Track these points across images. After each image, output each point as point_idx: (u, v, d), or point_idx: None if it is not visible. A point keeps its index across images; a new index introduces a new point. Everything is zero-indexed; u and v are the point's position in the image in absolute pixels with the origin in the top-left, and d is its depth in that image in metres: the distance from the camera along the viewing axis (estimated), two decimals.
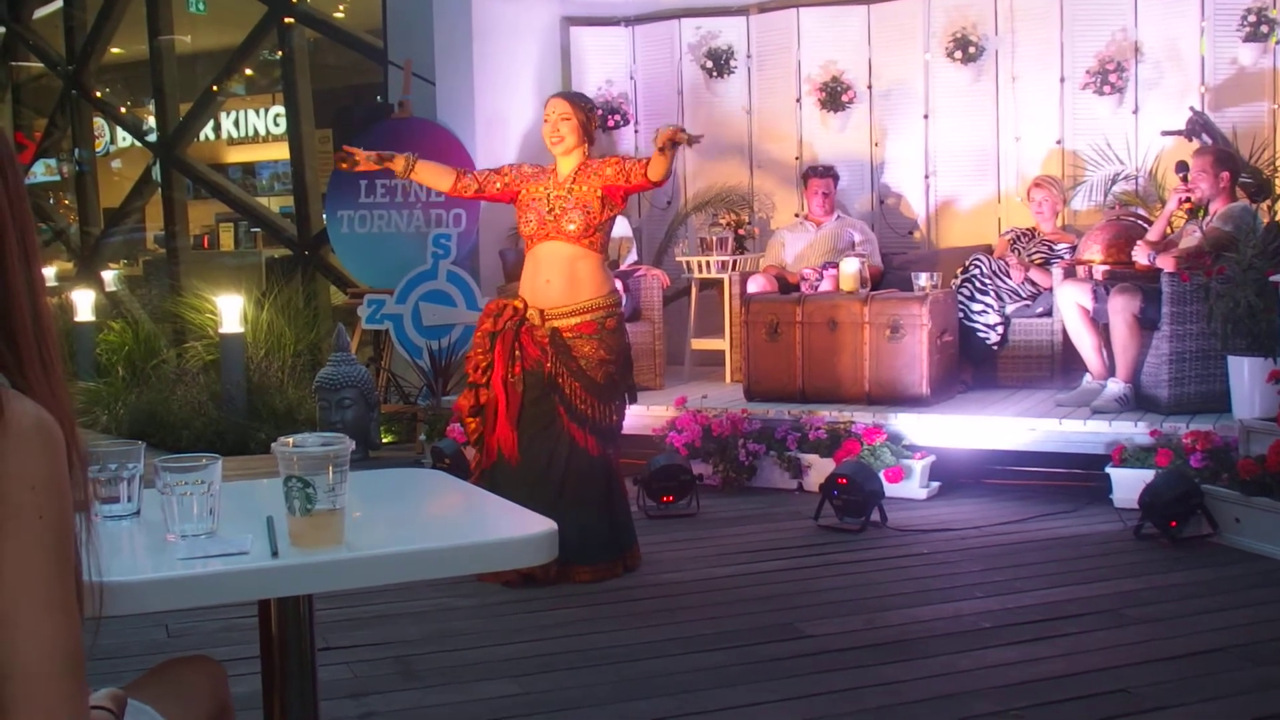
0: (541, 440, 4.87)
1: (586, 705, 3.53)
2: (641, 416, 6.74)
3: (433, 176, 5.13)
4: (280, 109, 13.48)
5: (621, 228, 7.72)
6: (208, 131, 14.53)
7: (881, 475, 5.81)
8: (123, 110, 14.82)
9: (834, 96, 8.16)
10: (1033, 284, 6.97)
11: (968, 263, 7.02)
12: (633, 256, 7.81)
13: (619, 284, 7.03)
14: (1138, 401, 6.16)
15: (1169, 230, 6.44)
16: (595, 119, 5.06)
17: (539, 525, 2.07)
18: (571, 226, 4.87)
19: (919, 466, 6.07)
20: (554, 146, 4.98)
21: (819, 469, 6.12)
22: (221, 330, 8.55)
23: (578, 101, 5.03)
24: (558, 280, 4.89)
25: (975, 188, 7.96)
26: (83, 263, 14.05)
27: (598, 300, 4.91)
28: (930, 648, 3.95)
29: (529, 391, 4.89)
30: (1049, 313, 6.87)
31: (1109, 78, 7.43)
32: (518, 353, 4.89)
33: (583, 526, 4.76)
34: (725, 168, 8.56)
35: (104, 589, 1.51)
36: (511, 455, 4.88)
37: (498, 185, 5.05)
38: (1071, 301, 6.40)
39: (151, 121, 13.19)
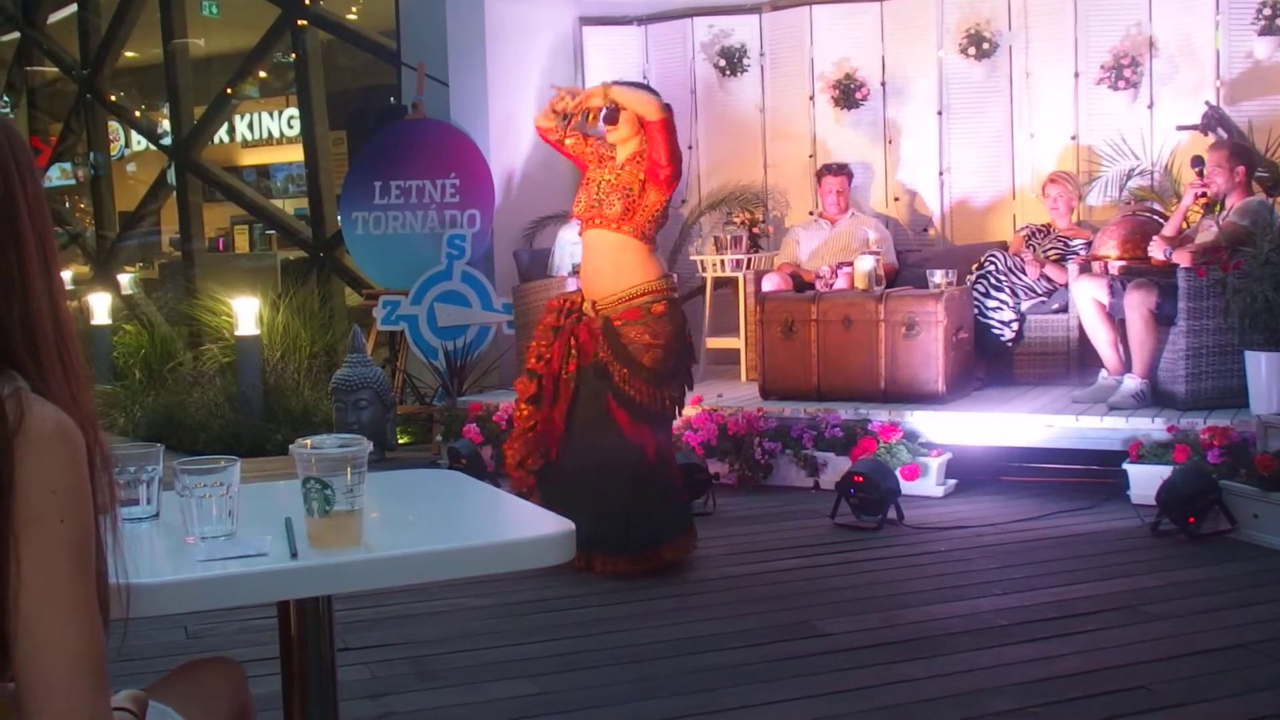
0: (591, 432, 4.88)
1: (604, 705, 3.54)
2: None
3: (559, 122, 5.13)
4: (294, 111, 13.51)
5: None
6: (222, 134, 14.57)
7: (898, 473, 5.80)
8: (137, 114, 14.87)
9: (847, 94, 8.14)
10: (1048, 280, 6.95)
11: (983, 259, 7.00)
12: None
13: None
14: (1155, 397, 6.14)
15: (1185, 225, 6.41)
16: None
17: (555, 525, 2.08)
18: (611, 211, 4.92)
19: (935, 464, 6.06)
20: (610, 134, 5.04)
21: (835, 467, 6.11)
22: (237, 332, 8.58)
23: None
24: (605, 269, 4.97)
25: (990, 184, 7.94)
26: (99, 266, 14.10)
27: (642, 286, 4.93)
28: (947, 645, 3.95)
29: (585, 386, 4.90)
30: (1065, 309, 6.85)
31: (1123, 73, 7.40)
32: (574, 349, 4.92)
33: (627, 514, 4.84)
34: (739, 166, 8.55)
35: (130, 591, 1.52)
36: (560, 449, 4.91)
37: (571, 145, 5.13)
38: (1087, 297, 6.39)
39: (166, 125, 13.23)
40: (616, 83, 5.02)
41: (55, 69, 14.98)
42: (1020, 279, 6.93)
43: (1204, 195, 6.29)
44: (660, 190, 4.96)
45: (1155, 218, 6.78)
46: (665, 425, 5.04)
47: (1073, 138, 7.65)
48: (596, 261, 4.98)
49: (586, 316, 4.96)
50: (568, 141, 5.13)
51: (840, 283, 7.08)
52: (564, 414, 4.91)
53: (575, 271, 7.40)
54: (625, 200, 4.91)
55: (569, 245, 7.59)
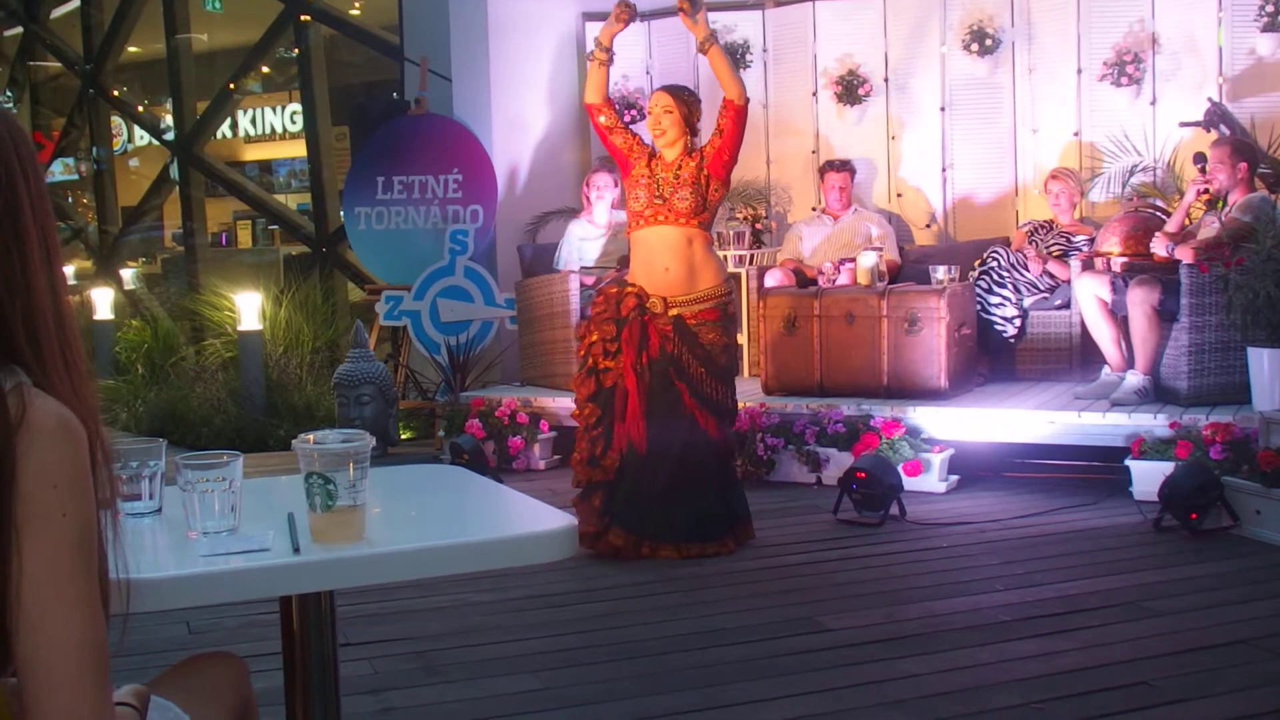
0: (668, 426, 4.99)
1: (608, 700, 3.54)
2: None
3: (597, 80, 5.22)
4: (297, 106, 13.52)
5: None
6: (225, 129, 14.58)
7: (900, 469, 5.81)
8: (140, 109, 14.88)
9: (850, 90, 8.14)
10: (1051, 276, 6.95)
11: (985, 255, 7.00)
12: None
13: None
14: (1157, 393, 6.14)
15: (1187, 221, 6.41)
16: (698, 111, 5.23)
17: (558, 520, 2.07)
18: (684, 204, 5.02)
19: (937, 460, 6.06)
20: (657, 139, 5.15)
21: (837, 463, 6.11)
22: (240, 327, 8.58)
23: (680, 94, 5.21)
24: (676, 268, 5.05)
25: (992, 180, 7.94)
26: (101, 261, 14.12)
27: (718, 288, 5.11)
28: (950, 641, 3.95)
29: (655, 380, 5.00)
30: (1067, 305, 6.85)
31: (1126, 69, 7.40)
32: (645, 344, 5.01)
33: (700, 507, 5.03)
34: (741, 161, 8.44)
35: (130, 586, 1.52)
36: (641, 443, 4.98)
37: (617, 140, 5.22)
38: (1090, 294, 6.38)
39: (169, 120, 13.24)
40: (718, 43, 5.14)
41: (58, 64, 14.98)
42: (1023, 275, 6.92)
43: (1206, 192, 6.29)
44: (721, 183, 5.15)
45: (1157, 214, 6.77)
46: (731, 419, 5.28)
47: (1075, 134, 7.64)
48: (665, 258, 5.06)
49: (651, 312, 5.03)
50: (615, 140, 5.19)
51: (843, 278, 7.08)
52: (643, 409, 4.99)
53: (583, 268, 7.41)
54: (696, 194, 5.04)
55: (577, 241, 7.59)
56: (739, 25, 8.50)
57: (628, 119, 8.62)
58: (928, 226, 8.09)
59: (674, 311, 5.03)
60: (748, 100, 5.15)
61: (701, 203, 5.07)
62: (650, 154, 5.19)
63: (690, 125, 5.17)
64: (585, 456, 5.09)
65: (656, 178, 5.08)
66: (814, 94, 8.31)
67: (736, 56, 8.44)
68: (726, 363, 5.14)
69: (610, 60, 5.23)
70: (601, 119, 5.21)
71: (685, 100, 5.18)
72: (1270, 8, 7.02)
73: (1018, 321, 6.92)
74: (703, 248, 5.11)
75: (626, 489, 5.01)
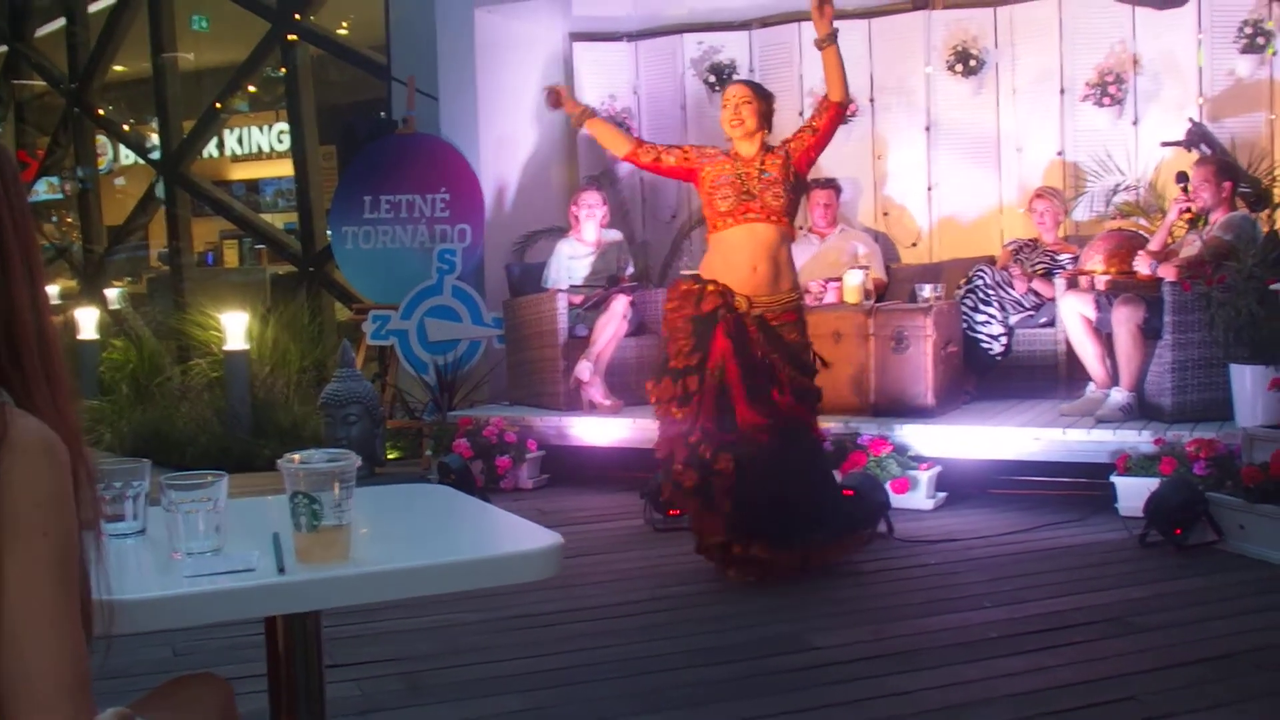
0: (783, 426, 4.88)
1: None
2: (648, 430, 6.74)
3: (610, 137, 5.25)
4: (284, 125, 13.51)
5: (615, 235, 7.73)
6: (211, 148, 14.55)
7: (888, 486, 5.81)
8: (126, 128, 14.84)
9: None
10: (1036, 294, 6.97)
11: (971, 274, 7.02)
12: (630, 269, 7.76)
13: (627, 301, 7.03)
14: (1141, 410, 6.16)
15: (1170, 240, 6.45)
16: (773, 109, 5.15)
17: (544, 539, 2.07)
18: (777, 202, 4.94)
19: (925, 477, 6.07)
20: (734, 129, 5.03)
21: None
22: (226, 347, 8.55)
23: (758, 89, 5.14)
24: (765, 268, 4.94)
25: (977, 199, 7.97)
26: (86, 281, 14.06)
27: (795, 289, 5.06)
28: (938, 658, 3.95)
29: (760, 378, 4.85)
30: (1052, 323, 6.88)
31: (1108, 90, 7.45)
32: (742, 336, 4.86)
33: (836, 502, 5.07)
34: None
35: (113, 607, 1.51)
36: (760, 435, 4.81)
37: (671, 160, 5.13)
38: (1074, 312, 6.41)
39: (155, 139, 13.21)
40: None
41: (43, 82, 14.95)
42: (1008, 293, 6.95)
43: (1189, 210, 6.33)
44: (804, 182, 5.12)
45: (1140, 233, 6.81)
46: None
47: (1059, 153, 7.68)
48: (755, 257, 4.92)
49: (740, 311, 4.89)
50: (669, 160, 5.12)
51: (830, 297, 7.09)
52: (753, 409, 4.82)
53: (572, 287, 7.40)
54: (788, 192, 4.97)
55: (565, 260, 7.57)
56: (726, 45, 8.53)
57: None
58: (913, 245, 8.12)
59: (756, 311, 4.91)
60: (846, 98, 5.09)
61: (794, 200, 5.01)
62: (722, 152, 5.08)
63: (768, 120, 5.08)
64: (684, 463, 4.81)
65: (739, 173, 4.97)
66: (800, 114, 8.30)
67: (723, 76, 8.47)
68: (809, 361, 5.05)
69: (594, 112, 5.28)
70: (645, 158, 5.15)
71: (762, 95, 5.09)
72: (1249, 30, 7.08)
73: (1004, 339, 6.94)
74: (789, 248, 5.04)
75: (750, 500, 4.79)
